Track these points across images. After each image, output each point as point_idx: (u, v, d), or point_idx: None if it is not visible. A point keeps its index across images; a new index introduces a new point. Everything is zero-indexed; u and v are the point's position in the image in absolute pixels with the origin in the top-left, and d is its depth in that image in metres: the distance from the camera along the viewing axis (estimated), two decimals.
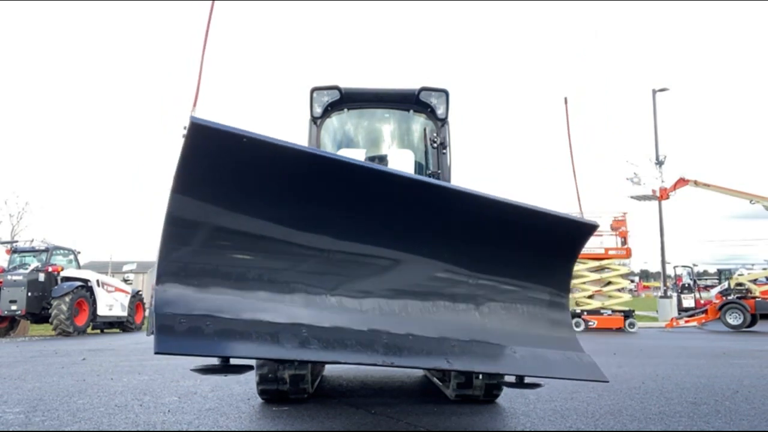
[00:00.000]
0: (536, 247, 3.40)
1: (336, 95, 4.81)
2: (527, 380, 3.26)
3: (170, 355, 2.39)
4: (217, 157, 2.48)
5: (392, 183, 2.90)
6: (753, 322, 17.76)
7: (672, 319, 19.99)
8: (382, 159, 5.27)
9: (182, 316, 2.44)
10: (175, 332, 2.40)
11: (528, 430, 3.66)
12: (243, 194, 2.65)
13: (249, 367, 2.71)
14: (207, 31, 3.34)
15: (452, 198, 3.08)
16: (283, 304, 2.70)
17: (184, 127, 2.38)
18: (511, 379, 3.31)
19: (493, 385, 4.33)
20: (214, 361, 2.58)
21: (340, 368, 6.38)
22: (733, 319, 17.72)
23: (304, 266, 2.86)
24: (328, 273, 2.89)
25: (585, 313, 17.23)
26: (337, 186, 2.78)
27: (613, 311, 17.44)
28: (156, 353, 2.33)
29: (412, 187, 2.95)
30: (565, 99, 3.65)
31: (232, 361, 2.63)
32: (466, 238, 3.20)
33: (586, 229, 3.54)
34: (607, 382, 3.38)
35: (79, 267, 18.07)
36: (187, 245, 2.58)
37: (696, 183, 20.75)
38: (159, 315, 2.42)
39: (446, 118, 4.85)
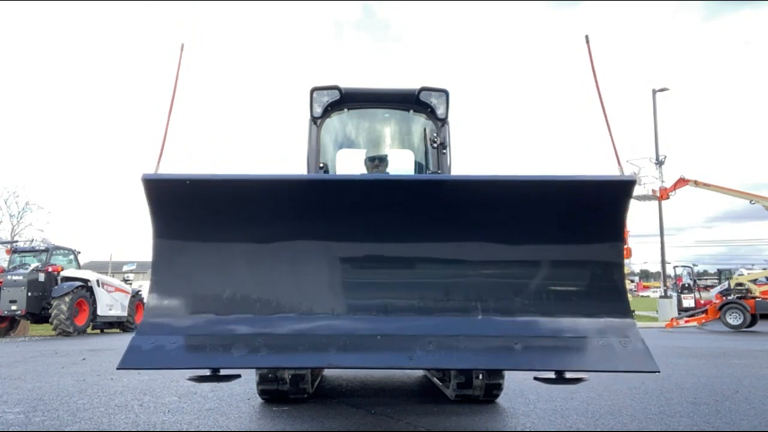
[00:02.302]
0: (549, 220, 3.03)
1: (336, 95, 4.80)
2: (569, 375, 2.84)
3: (132, 369, 2.83)
4: (175, 201, 2.94)
5: (342, 187, 3.04)
6: (753, 322, 17.74)
7: (672, 319, 19.98)
8: (383, 159, 5.27)
9: (154, 337, 2.85)
10: (141, 350, 2.80)
11: (528, 430, 3.66)
12: (203, 227, 3.04)
13: (236, 376, 2.98)
14: (176, 83, 3.37)
15: (423, 186, 3.03)
16: (243, 318, 2.97)
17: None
18: (551, 374, 2.87)
19: (493, 385, 4.33)
20: (207, 371, 2.85)
21: (341, 369, 6.38)
22: (733, 319, 17.70)
23: (264, 279, 3.07)
24: (287, 283, 3.06)
25: None
26: (281, 199, 3.01)
27: None
28: (117, 368, 2.75)
29: (374, 186, 3.02)
30: (587, 37, 3.41)
31: (222, 371, 2.87)
32: (459, 223, 3.05)
33: (621, 187, 2.97)
34: (659, 372, 2.74)
35: (79, 267, 18.07)
36: (166, 280, 3.02)
37: (696, 183, 20.78)
38: (134, 338, 2.82)
39: (446, 118, 4.84)
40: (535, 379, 3.04)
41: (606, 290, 3.04)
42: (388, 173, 5.07)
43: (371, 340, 2.89)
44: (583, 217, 3.02)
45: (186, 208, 2.96)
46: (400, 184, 3.11)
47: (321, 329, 2.92)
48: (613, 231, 3.06)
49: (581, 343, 2.89)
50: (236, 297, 3.02)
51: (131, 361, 2.77)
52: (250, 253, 3.06)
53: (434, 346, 2.85)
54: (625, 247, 19.24)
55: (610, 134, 3.24)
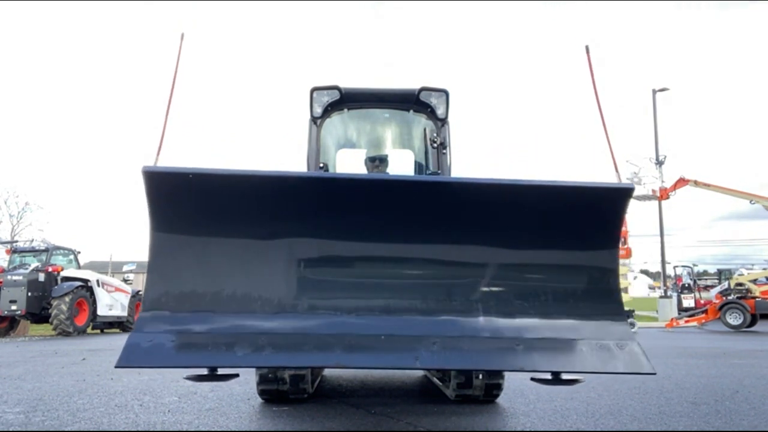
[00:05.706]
0: (551, 225, 3.10)
1: (336, 95, 4.80)
2: (565, 376, 2.92)
3: (131, 368, 2.63)
4: (175, 195, 2.87)
5: (338, 186, 3.02)
6: (753, 322, 17.75)
7: (672, 319, 19.99)
8: (383, 159, 5.27)
9: (151, 334, 2.76)
10: (141, 348, 2.71)
11: (528, 430, 3.66)
12: (202, 222, 2.96)
13: (234, 375, 2.92)
14: (175, 72, 3.29)
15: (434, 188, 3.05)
16: (245, 316, 2.91)
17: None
18: (547, 376, 2.95)
19: (493, 385, 4.33)
20: (205, 371, 2.78)
21: (340, 369, 6.37)
22: (733, 319, 17.71)
23: (267, 277, 3.02)
24: (291, 282, 3.05)
25: None
26: (285, 196, 2.97)
27: None
28: (116, 367, 2.64)
29: (378, 187, 3.03)
30: (587, 47, 3.45)
31: (220, 371, 2.80)
32: (463, 226, 3.09)
33: (620, 194, 3.06)
34: (655, 374, 2.93)
35: (79, 267, 18.06)
36: (165, 275, 2.94)
37: (696, 183, 20.77)
38: (131, 335, 2.75)
39: (446, 118, 4.84)
40: (532, 379, 3.08)
41: (602, 294, 3.17)
42: (388, 173, 5.08)
43: (376, 340, 2.89)
44: (581, 222, 3.09)
45: (186, 203, 2.89)
46: (404, 184, 3.12)
47: (325, 328, 2.90)
48: (610, 238, 3.17)
49: (579, 345, 2.96)
50: (237, 294, 2.96)
51: (129, 360, 2.69)
52: (251, 250, 3.01)
53: (438, 347, 2.86)
54: (626, 247, 19.33)
55: (609, 143, 3.31)
